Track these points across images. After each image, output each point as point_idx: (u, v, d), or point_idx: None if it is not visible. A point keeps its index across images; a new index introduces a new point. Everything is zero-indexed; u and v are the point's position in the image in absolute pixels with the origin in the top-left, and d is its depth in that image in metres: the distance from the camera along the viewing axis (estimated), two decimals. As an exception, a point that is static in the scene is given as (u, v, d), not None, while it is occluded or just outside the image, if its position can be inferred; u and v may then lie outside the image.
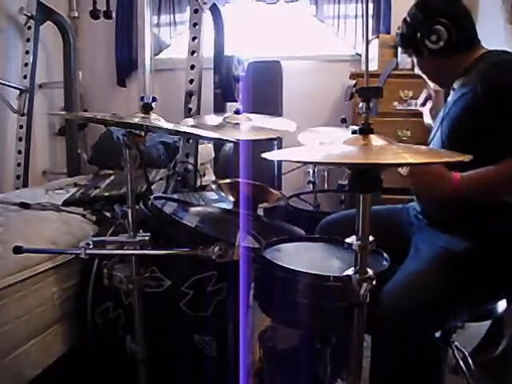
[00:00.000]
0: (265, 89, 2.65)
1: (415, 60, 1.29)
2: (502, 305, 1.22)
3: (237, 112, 1.50)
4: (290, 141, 1.59)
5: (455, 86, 1.25)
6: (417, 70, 1.32)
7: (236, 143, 1.56)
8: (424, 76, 1.32)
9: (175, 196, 1.70)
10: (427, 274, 1.08)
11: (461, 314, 1.11)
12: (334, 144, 0.89)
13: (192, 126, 1.46)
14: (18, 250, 1.01)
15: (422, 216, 1.29)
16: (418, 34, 1.20)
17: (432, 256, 1.13)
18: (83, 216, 1.71)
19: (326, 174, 2.55)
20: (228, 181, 1.52)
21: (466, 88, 1.15)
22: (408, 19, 1.24)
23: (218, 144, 2.63)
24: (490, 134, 1.07)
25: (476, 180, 1.06)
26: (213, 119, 1.56)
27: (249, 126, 1.48)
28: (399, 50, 2.57)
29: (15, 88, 2.64)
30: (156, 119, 1.10)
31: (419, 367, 1.03)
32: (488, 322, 1.50)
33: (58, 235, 1.52)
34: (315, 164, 1.85)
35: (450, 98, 1.26)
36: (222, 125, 1.47)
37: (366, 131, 0.80)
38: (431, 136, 1.32)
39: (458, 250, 1.11)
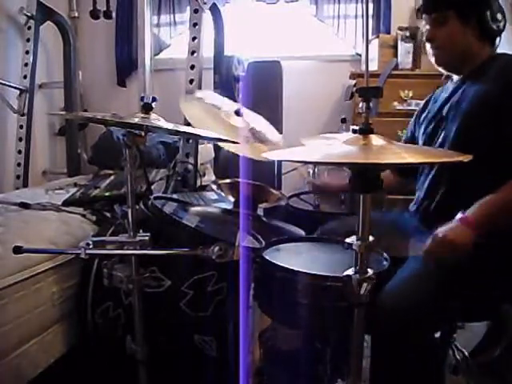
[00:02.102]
0: (265, 89, 2.65)
1: (447, 25, 1.16)
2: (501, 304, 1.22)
3: (237, 112, 1.50)
4: (291, 141, 1.59)
5: (463, 80, 1.23)
6: (438, 33, 1.18)
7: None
8: (439, 42, 1.20)
9: (175, 196, 1.70)
10: (426, 275, 1.08)
11: (459, 314, 1.11)
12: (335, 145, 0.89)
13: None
14: (18, 250, 1.01)
15: (419, 219, 1.29)
16: (489, 2, 1.13)
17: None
18: (83, 216, 1.71)
19: (325, 174, 2.55)
20: (228, 181, 1.52)
21: (482, 84, 1.14)
22: None
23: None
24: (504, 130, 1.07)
25: (485, 208, 1.04)
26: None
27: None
28: (399, 49, 2.61)
29: (15, 88, 2.64)
30: (156, 119, 1.10)
31: (419, 367, 1.03)
32: (488, 322, 1.50)
33: (57, 235, 1.52)
34: (315, 164, 1.85)
35: (454, 93, 1.24)
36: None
37: (366, 131, 0.80)
38: (427, 133, 1.30)
39: None
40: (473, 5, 1.15)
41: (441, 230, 1.07)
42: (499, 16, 1.14)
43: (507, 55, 1.18)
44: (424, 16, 1.22)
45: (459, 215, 1.06)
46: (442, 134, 1.23)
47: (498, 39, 1.20)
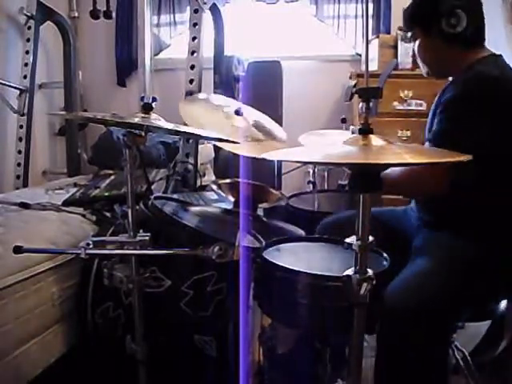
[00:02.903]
0: (265, 89, 2.65)
1: (418, 40, 1.25)
2: (502, 305, 1.22)
3: (237, 112, 1.50)
4: (291, 141, 1.59)
5: (449, 85, 1.24)
6: (416, 50, 1.28)
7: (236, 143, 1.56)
8: (420, 58, 1.28)
9: (175, 196, 1.70)
10: (432, 275, 1.08)
11: (465, 313, 1.11)
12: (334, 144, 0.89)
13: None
14: (18, 249, 1.01)
15: (419, 217, 1.29)
16: (438, 11, 1.16)
17: (436, 257, 1.12)
18: (83, 216, 1.71)
19: (325, 174, 2.55)
20: (228, 181, 1.52)
21: (453, 90, 1.15)
22: None
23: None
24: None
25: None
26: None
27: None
28: (399, 49, 2.61)
29: (15, 88, 2.64)
30: (156, 119, 1.10)
31: (424, 368, 1.03)
32: (488, 322, 1.50)
33: (58, 235, 1.52)
34: (315, 164, 1.85)
35: (439, 98, 1.25)
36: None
37: (365, 131, 0.80)
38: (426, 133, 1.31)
39: (462, 250, 1.10)
40: (427, 18, 1.20)
41: None
42: (453, 20, 1.15)
43: (487, 61, 1.18)
44: None
45: None
46: (426, 137, 1.25)
47: (484, 38, 1.21)
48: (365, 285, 0.79)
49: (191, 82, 2.10)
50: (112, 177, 2.15)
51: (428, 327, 1.01)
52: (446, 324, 1.09)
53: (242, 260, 1.03)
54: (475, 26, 1.18)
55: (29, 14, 2.66)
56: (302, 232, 1.47)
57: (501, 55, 1.21)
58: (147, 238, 1.10)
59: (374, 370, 1.06)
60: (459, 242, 1.12)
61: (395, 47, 2.66)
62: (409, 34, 1.28)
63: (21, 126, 2.70)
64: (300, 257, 1.17)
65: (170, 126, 1.10)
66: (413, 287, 1.05)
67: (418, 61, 1.30)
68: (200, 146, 2.21)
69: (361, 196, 0.78)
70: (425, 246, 1.21)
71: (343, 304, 0.86)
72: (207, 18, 2.33)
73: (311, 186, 2.08)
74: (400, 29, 2.63)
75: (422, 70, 1.31)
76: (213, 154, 2.64)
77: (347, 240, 0.81)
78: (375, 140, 0.79)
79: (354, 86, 2.46)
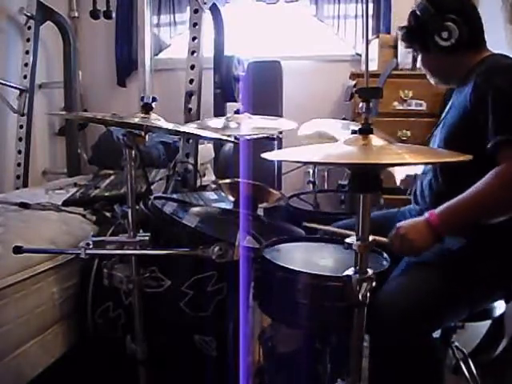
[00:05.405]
0: (265, 89, 2.65)
1: (420, 55, 1.27)
2: (501, 305, 1.22)
3: (237, 112, 1.51)
4: (291, 141, 1.58)
5: (456, 89, 1.25)
6: (419, 65, 1.30)
7: (236, 143, 1.56)
8: (426, 72, 1.30)
9: (175, 196, 1.70)
10: (423, 274, 1.08)
11: (458, 312, 1.11)
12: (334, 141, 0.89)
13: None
14: (18, 249, 1.01)
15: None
16: (428, 29, 1.18)
17: (427, 256, 1.13)
18: (83, 216, 1.71)
19: (325, 174, 2.55)
20: (228, 181, 1.52)
21: (463, 92, 1.15)
22: (418, 12, 1.21)
23: (218, 144, 2.63)
24: (479, 140, 1.06)
25: (454, 210, 1.04)
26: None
27: (250, 124, 1.49)
28: (399, 49, 2.61)
29: (15, 88, 2.64)
30: (156, 119, 1.10)
31: (417, 367, 1.03)
32: (488, 322, 1.50)
33: (58, 235, 1.52)
34: (315, 164, 1.85)
35: (450, 102, 1.26)
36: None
37: (366, 131, 0.81)
38: (432, 139, 1.31)
39: (453, 249, 1.11)
40: (421, 37, 1.22)
41: (404, 226, 1.06)
42: (445, 34, 1.16)
43: (494, 57, 1.18)
44: None
45: (427, 214, 1.06)
46: (434, 141, 1.25)
47: (482, 40, 1.21)
48: (365, 285, 0.80)
49: (191, 81, 2.10)
50: (112, 177, 2.15)
51: (420, 327, 1.01)
52: (438, 324, 1.09)
53: (241, 260, 1.03)
54: (471, 30, 1.18)
55: (29, 13, 2.66)
56: (302, 232, 1.47)
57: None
58: (147, 238, 1.10)
59: (369, 371, 1.06)
60: (452, 242, 1.11)
61: (395, 47, 2.65)
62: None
63: (21, 126, 2.70)
64: (300, 257, 1.17)
65: (170, 125, 1.10)
66: (404, 287, 1.05)
67: (425, 72, 1.30)
68: (200, 146, 2.21)
69: (361, 196, 0.79)
70: None
71: (343, 304, 0.86)
72: (207, 17, 2.32)
73: (311, 185, 2.08)
74: (400, 29, 2.63)
75: (431, 80, 1.32)
76: (213, 154, 2.64)
77: (347, 240, 0.81)
78: (375, 140, 0.80)
79: (354, 86, 2.46)
